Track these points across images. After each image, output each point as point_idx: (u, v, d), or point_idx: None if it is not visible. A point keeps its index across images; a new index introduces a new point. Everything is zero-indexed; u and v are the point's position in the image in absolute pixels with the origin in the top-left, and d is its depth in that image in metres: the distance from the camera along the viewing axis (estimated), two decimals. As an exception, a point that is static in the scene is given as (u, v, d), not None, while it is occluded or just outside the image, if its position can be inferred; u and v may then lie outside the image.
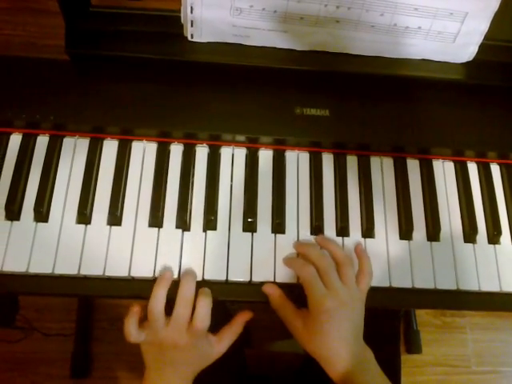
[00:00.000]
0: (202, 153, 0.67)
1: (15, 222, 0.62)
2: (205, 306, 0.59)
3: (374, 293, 0.62)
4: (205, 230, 0.63)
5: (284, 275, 0.61)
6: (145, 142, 0.67)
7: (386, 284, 0.63)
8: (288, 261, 0.62)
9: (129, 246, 0.62)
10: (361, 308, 0.60)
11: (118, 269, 0.60)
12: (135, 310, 0.59)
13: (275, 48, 0.68)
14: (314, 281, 0.58)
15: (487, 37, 0.66)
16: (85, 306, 1.29)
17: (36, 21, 1.52)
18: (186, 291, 0.59)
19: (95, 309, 1.30)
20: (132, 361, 1.24)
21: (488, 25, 0.64)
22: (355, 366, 0.56)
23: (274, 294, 0.60)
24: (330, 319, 0.57)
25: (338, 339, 0.57)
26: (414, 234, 0.66)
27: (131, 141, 0.67)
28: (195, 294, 0.59)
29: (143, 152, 0.67)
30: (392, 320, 0.87)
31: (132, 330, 0.58)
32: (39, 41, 1.51)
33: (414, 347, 1.32)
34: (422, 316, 1.38)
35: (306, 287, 0.58)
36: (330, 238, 0.64)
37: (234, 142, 0.68)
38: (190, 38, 0.67)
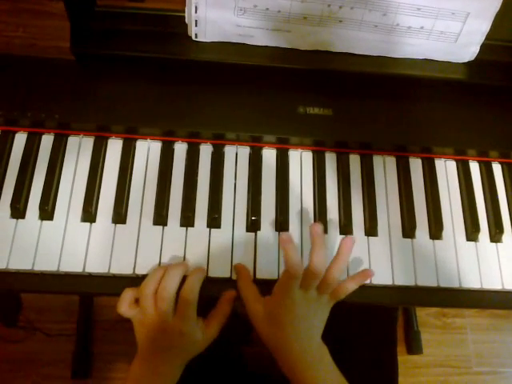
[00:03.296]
0: (206, 152, 0.68)
1: (20, 220, 0.62)
2: (195, 278, 0.59)
3: (377, 290, 0.63)
4: (209, 228, 0.64)
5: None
6: (149, 140, 0.68)
7: (389, 282, 0.63)
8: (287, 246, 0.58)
9: (133, 244, 0.62)
10: (323, 314, 0.60)
11: (123, 266, 0.61)
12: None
13: (279, 47, 0.68)
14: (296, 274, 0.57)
15: (489, 37, 0.66)
16: (86, 307, 1.29)
17: (36, 22, 1.53)
18: (172, 275, 0.58)
19: (96, 310, 1.30)
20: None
21: (490, 25, 0.65)
22: (306, 362, 0.58)
23: (242, 273, 0.61)
24: (289, 313, 0.58)
25: (292, 336, 0.58)
26: (417, 233, 0.66)
27: (136, 140, 0.67)
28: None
29: (148, 151, 0.67)
30: (388, 322, 0.87)
31: (124, 302, 0.59)
32: (40, 42, 1.51)
33: (414, 348, 1.32)
34: (423, 317, 1.38)
35: (286, 270, 0.57)
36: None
37: (238, 141, 0.69)
38: (194, 38, 0.68)
